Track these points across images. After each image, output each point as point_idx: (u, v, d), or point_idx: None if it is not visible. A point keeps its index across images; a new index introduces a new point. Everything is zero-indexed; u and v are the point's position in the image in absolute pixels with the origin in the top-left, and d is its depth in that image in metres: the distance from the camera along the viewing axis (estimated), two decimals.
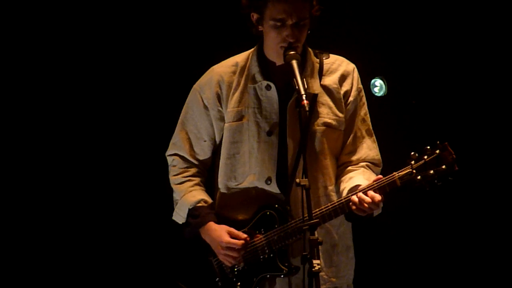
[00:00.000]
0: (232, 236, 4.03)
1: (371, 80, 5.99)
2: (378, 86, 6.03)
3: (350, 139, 4.12)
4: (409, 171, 3.86)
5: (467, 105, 6.00)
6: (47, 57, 5.58)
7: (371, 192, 3.86)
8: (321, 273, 3.53)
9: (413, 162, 3.86)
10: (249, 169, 4.05)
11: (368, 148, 4.14)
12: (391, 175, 3.88)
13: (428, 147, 3.87)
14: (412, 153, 3.88)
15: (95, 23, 5.62)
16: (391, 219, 5.59)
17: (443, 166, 3.83)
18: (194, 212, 4.11)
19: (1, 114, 5.55)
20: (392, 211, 4.26)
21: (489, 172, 5.99)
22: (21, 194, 5.60)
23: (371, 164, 4.13)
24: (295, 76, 3.79)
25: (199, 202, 4.12)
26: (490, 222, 6.04)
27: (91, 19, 5.61)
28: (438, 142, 3.87)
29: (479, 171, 5.93)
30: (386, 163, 4.18)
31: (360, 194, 3.87)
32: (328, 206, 3.92)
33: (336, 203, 3.92)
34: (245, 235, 4.03)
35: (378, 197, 3.85)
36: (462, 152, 3.98)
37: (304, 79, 3.79)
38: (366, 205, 3.85)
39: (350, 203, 3.89)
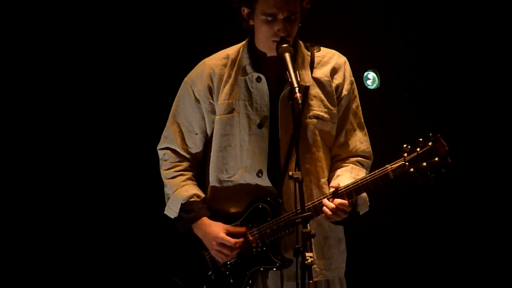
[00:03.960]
0: (228, 233, 4.02)
1: (364, 73, 5.98)
2: (371, 78, 6.01)
3: (342, 131, 4.12)
4: (402, 163, 3.86)
5: (460, 97, 6.00)
6: (36, 51, 5.56)
7: (337, 200, 3.88)
8: (313, 266, 3.51)
9: (405, 154, 3.86)
10: (240, 162, 4.04)
11: (359, 141, 4.14)
12: (383, 167, 3.88)
13: (421, 139, 3.87)
14: (405, 145, 3.88)
15: (86, 19, 5.61)
16: (383, 212, 5.58)
17: (436, 158, 3.83)
18: (187, 207, 4.10)
19: None
20: (383, 204, 4.26)
21: (482, 164, 5.99)
22: (17, 191, 5.59)
23: (362, 158, 4.13)
24: (288, 69, 3.78)
25: (192, 197, 4.11)
26: (483, 214, 6.04)
27: (83, 15, 5.60)
28: (430, 134, 3.87)
29: (472, 163, 5.92)
30: (379, 156, 4.17)
31: (325, 200, 3.89)
32: (320, 199, 3.92)
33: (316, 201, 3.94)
34: (241, 231, 4.01)
35: (339, 202, 3.87)
36: (454, 144, 3.97)
37: (297, 72, 3.78)
38: (330, 212, 3.87)
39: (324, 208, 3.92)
